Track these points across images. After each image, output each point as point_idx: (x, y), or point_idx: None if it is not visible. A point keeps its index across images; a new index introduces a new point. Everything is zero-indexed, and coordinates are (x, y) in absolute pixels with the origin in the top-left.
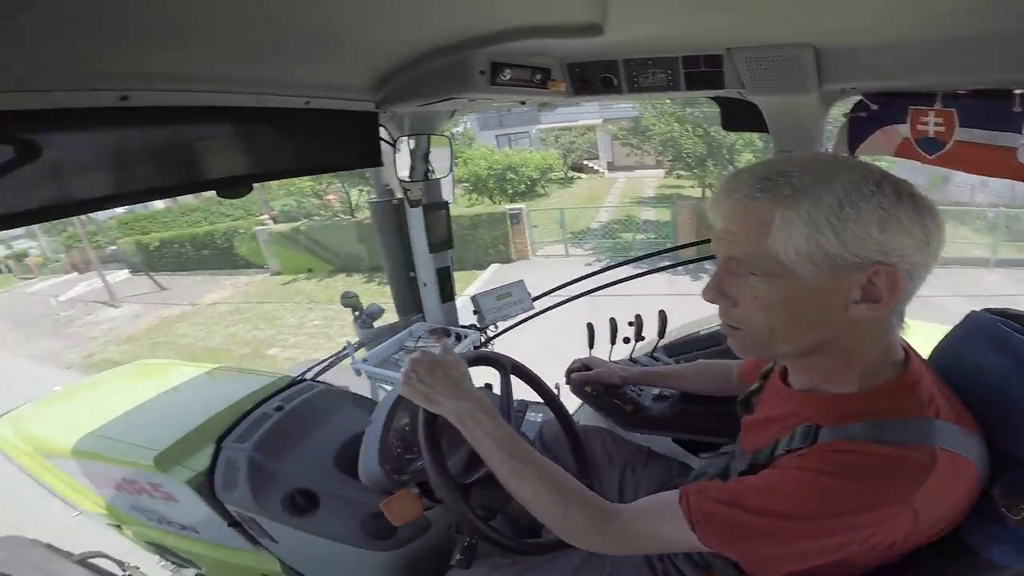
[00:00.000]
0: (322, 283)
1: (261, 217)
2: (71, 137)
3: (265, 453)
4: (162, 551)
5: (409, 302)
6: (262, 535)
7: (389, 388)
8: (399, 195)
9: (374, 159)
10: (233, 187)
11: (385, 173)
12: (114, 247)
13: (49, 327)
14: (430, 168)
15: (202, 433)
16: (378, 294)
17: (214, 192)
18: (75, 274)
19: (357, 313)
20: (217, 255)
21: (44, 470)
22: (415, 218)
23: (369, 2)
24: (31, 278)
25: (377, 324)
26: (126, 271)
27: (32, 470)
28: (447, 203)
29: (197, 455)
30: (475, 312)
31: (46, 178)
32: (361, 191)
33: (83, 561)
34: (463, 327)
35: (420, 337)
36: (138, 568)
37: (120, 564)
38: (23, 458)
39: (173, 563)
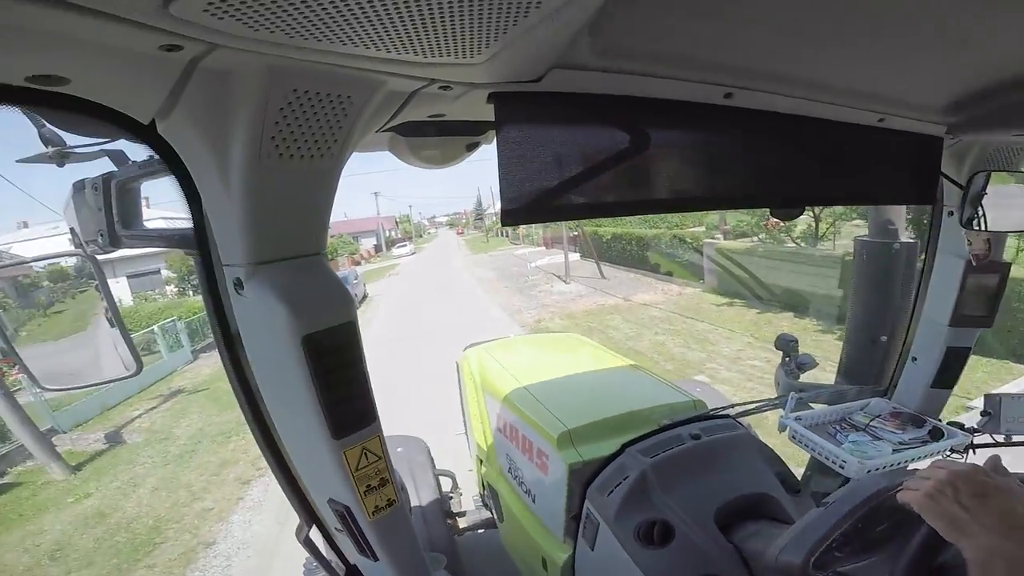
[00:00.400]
0: (763, 316)
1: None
2: (673, 129)
3: (659, 475)
4: (488, 493)
5: (862, 369)
6: (590, 538)
7: (828, 458)
8: (904, 238)
9: (929, 194)
10: (788, 206)
11: (888, 209)
12: (575, 232)
13: (521, 286)
14: (982, 215)
15: (611, 427)
16: (814, 346)
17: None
18: (543, 247)
19: (787, 359)
20: (653, 259)
21: (473, 397)
22: (942, 276)
23: (975, 6)
24: (518, 244)
25: (803, 378)
26: (577, 254)
27: (468, 392)
28: (1008, 265)
29: (595, 445)
30: (985, 413)
31: (647, 169)
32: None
33: (436, 474)
34: (948, 424)
35: (878, 417)
36: (461, 495)
37: (454, 486)
38: (469, 381)
39: (485, 505)
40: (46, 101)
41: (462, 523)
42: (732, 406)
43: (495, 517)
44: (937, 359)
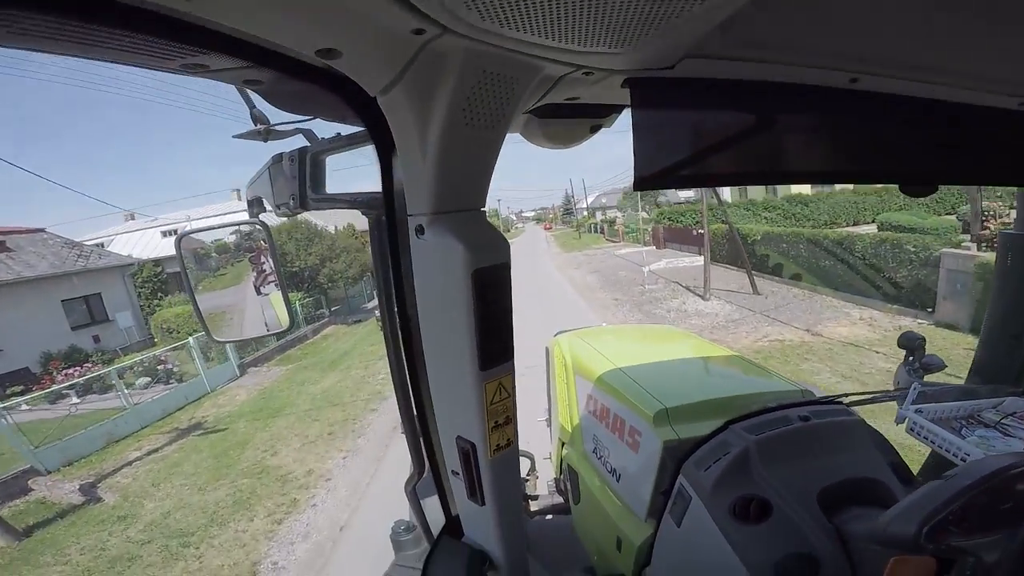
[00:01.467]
0: None
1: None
2: (797, 112)
3: (763, 453)
4: (567, 476)
5: (998, 366)
6: (677, 515)
7: (949, 450)
8: None
9: None
10: (917, 184)
11: None
12: (702, 230)
13: (637, 299)
14: None
15: (711, 408)
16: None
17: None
18: (652, 247)
19: (911, 358)
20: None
21: (563, 381)
22: None
23: None
24: (616, 241)
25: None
26: (700, 258)
27: (558, 376)
28: None
29: (692, 425)
30: None
31: (771, 146)
32: None
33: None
34: None
35: (1012, 415)
36: (537, 478)
37: (532, 468)
38: (559, 365)
39: (558, 491)
40: (308, 76)
41: (534, 507)
42: (846, 395)
43: (570, 500)
44: None
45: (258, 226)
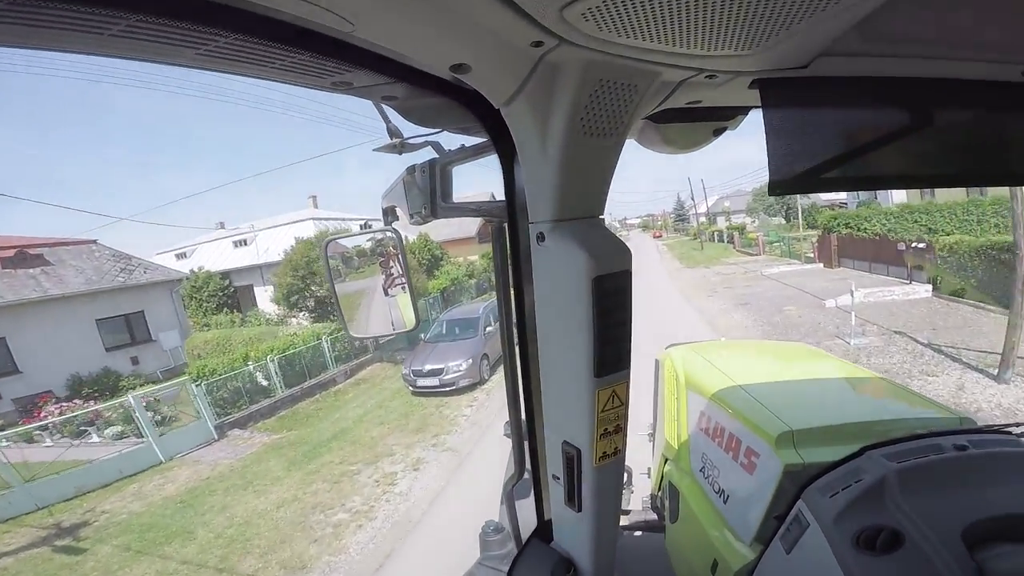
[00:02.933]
0: None
1: None
2: (953, 109)
3: (903, 483)
4: (666, 493)
5: None
6: (790, 541)
7: None
8: None
9: None
10: None
11: None
12: (910, 244)
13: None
14: None
15: (844, 433)
16: None
17: None
18: (818, 264)
19: None
20: None
21: (673, 394)
22: None
23: None
24: (754, 254)
25: None
26: (923, 285)
27: (668, 391)
28: None
29: (820, 449)
30: None
31: (922, 146)
32: None
33: None
34: None
35: None
36: (632, 492)
37: (627, 481)
38: (670, 379)
39: (653, 508)
40: (440, 90)
41: (625, 521)
42: (1017, 424)
43: (666, 518)
44: None
45: (390, 233)
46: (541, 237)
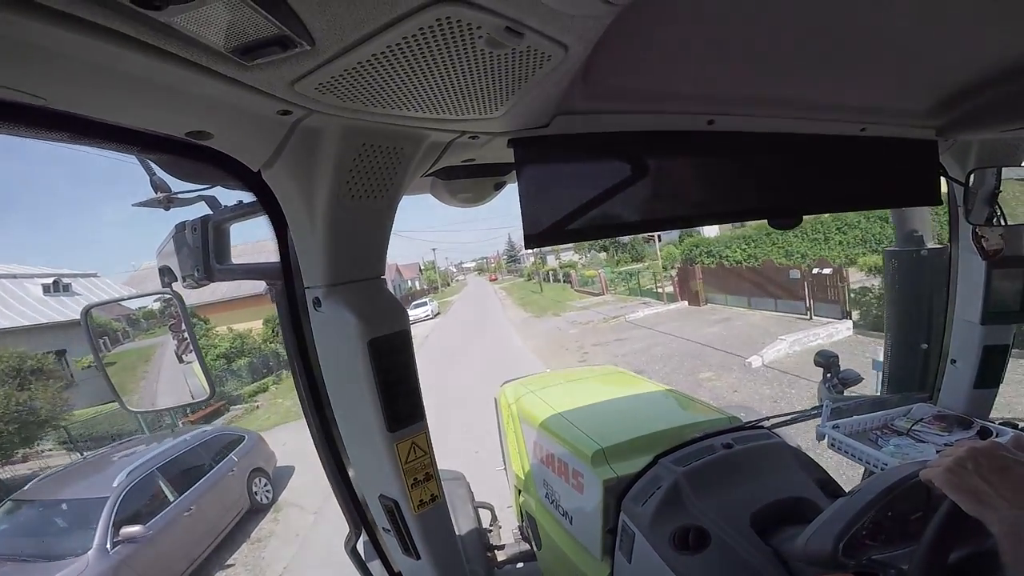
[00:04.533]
0: None
1: None
2: (664, 158)
3: (693, 483)
4: (527, 523)
5: (906, 376)
6: (626, 551)
7: (868, 462)
8: (929, 245)
9: (931, 196)
10: (785, 217)
11: (912, 217)
12: (815, 272)
13: None
14: (999, 212)
15: (644, 443)
16: None
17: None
18: (684, 303)
19: (828, 375)
20: None
21: (511, 429)
22: (967, 276)
23: (938, 15)
24: (596, 294)
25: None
26: (841, 321)
27: (506, 425)
28: None
29: (629, 462)
30: None
31: (646, 193)
32: None
33: (476, 506)
34: (997, 423)
35: (920, 420)
36: (500, 528)
37: (493, 519)
38: (506, 414)
39: (523, 538)
40: (189, 153)
41: (501, 556)
42: (767, 418)
43: (533, 547)
44: (976, 359)
45: (168, 295)
46: (317, 303)
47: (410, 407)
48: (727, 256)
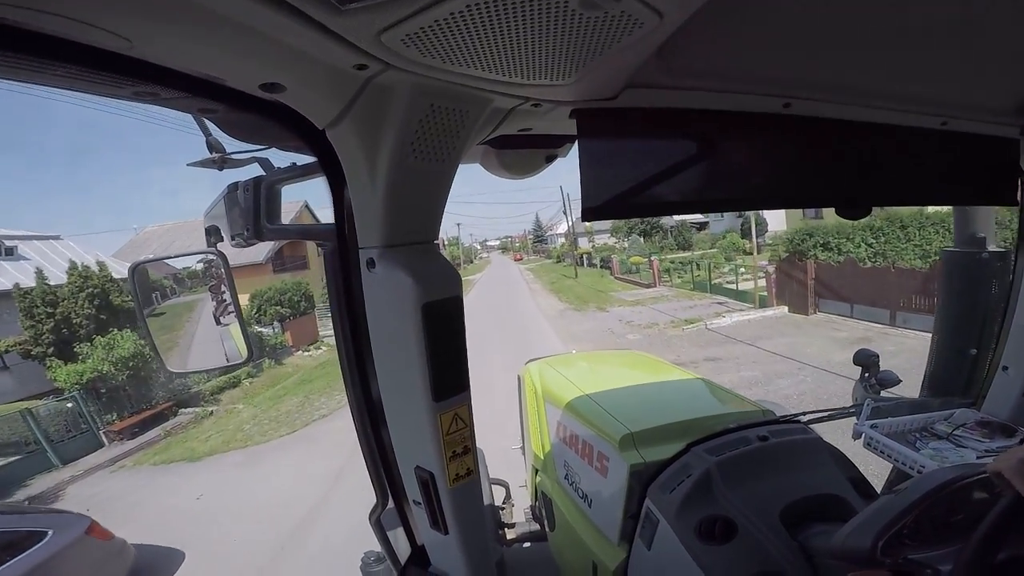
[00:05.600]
0: None
1: None
2: (735, 139)
3: (724, 473)
4: (542, 503)
5: (949, 380)
6: (647, 537)
7: (905, 464)
8: (992, 247)
9: (1009, 195)
10: (854, 207)
11: (976, 218)
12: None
13: None
14: None
15: (674, 431)
16: None
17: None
18: (783, 308)
19: (867, 375)
20: None
21: (534, 408)
22: None
23: None
24: (645, 285)
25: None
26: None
27: (529, 404)
28: None
29: (657, 448)
30: None
31: (712, 173)
32: None
33: (491, 483)
34: None
35: (963, 426)
36: (513, 506)
37: (507, 497)
38: (530, 393)
39: (535, 518)
40: (257, 109)
41: (511, 535)
42: (803, 413)
43: (546, 527)
44: None
45: (213, 256)
46: (371, 263)
47: (457, 376)
48: (849, 250)
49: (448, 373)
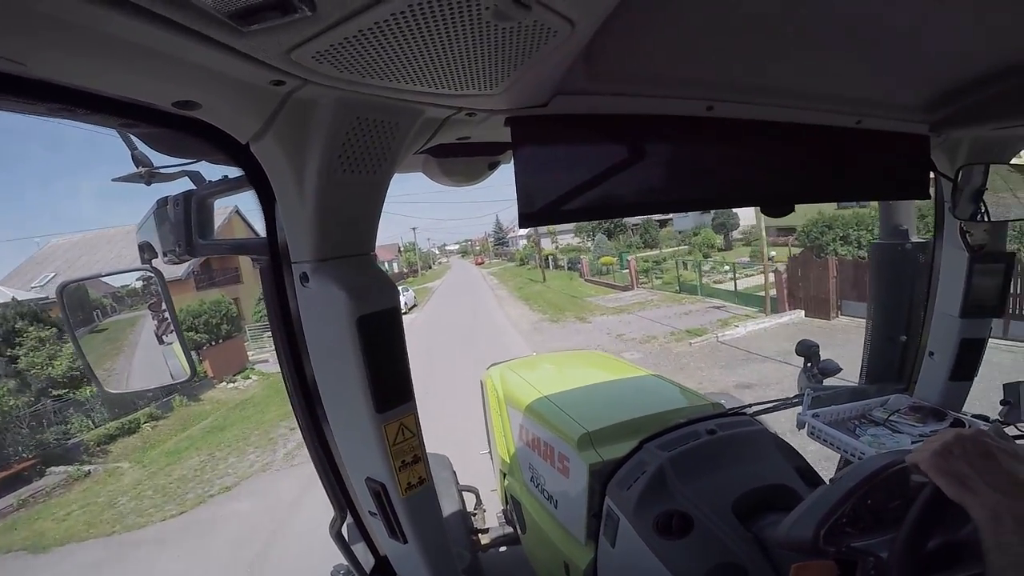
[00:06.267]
0: None
1: None
2: (662, 142)
3: (677, 468)
4: (512, 507)
5: (883, 367)
6: (610, 535)
7: (846, 451)
8: (914, 238)
9: (922, 190)
10: (776, 205)
11: (898, 211)
12: None
13: None
14: (985, 208)
15: (630, 428)
16: None
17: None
18: (799, 312)
19: (809, 364)
20: None
21: (497, 413)
22: (949, 270)
23: (936, 10)
24: (621, 287)
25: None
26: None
27: (492, 409)
28: (1012, 255)
29: (614, 446)
30: (1005, 402)
31: (642, 177)
32: None
33: (460, 489)
34: (971, 416)
35: (898, 411)
36: (484, 511)
37: (478, 503)
38: (492, 397)
39: (507, 521)
40: (174, 125)
41: (485, 540)
42: (749, 405)
43: (518, 530)
44: (953, 352)
45: (150, 272)
46: (304, 278)
47: (399, 387)
48: (869, 241)
49: (389, 384)
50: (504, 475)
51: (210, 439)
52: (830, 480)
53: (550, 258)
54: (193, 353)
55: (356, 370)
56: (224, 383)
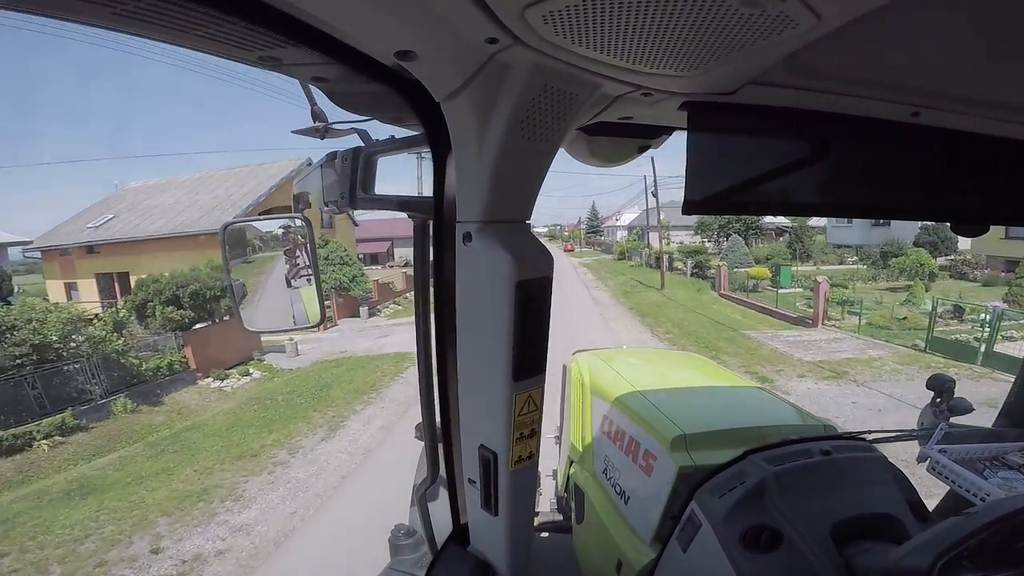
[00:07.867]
0: None
1: None
2: (855, 144)
3: (780, 485)
4: (572, 495)
5: None
6: (684, 541)
7: (969, 490)
8: None
9: None
10: (971, 223)
11: None
12: None
13: None
14: None
15: (730, 437)
16: None
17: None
18: None
19: (938, 400)
20: None
21: (578, 399)
22: None
23: None
24: (792, 320)
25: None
26: None
27: (574, 396)
28: None
29: (710, 452)
30: None
31: (827, 177)
32: None
33: None
34: None
35: None
36: (540, 494)
37: (537, 485)
38: (576, 384)
39: (560, 509)
40: (378, 77)
41: (535, 522)
42: (869, 432)
43: (573, 519)
44: None
45: (299, 221)
46: (468, 237)
47: (536, 358)
48: None
49: (530, 353)
50: (571, 462)
51: (91, 501)
52: (961, 514)
53: (660, 258)
54: (172, 335)
55: (504, 335)
56: (212, 379)
